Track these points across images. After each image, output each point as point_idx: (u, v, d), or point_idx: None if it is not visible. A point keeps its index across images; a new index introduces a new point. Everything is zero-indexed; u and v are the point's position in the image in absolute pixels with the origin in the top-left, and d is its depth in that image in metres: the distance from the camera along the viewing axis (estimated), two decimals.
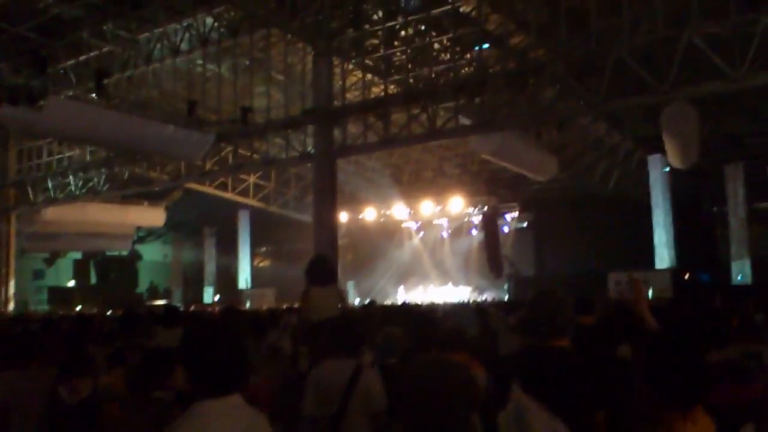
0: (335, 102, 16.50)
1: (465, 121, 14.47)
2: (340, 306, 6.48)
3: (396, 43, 17.23)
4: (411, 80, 16.58)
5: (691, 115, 13.80)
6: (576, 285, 12.57)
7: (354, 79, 18.89)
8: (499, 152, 16.60)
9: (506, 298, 23.88)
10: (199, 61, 18.46)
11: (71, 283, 34.55)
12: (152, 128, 13.69)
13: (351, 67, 18.08)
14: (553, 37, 13.62)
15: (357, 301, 23.81)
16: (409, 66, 16.71)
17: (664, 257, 21.71)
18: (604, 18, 12.34)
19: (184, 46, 18.08)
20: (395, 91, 16.81)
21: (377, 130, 16.04)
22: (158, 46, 18.40)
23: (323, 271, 6.58)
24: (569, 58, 12.56)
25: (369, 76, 18.10)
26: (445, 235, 29.41)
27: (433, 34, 16.73)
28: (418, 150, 25.28)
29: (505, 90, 13.70)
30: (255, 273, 32.52)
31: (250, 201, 27.39)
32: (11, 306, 23.80)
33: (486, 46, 17.55)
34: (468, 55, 17.57)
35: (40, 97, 12.52)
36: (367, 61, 17.28)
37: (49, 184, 23.15)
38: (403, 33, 16.88)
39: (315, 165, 16.34)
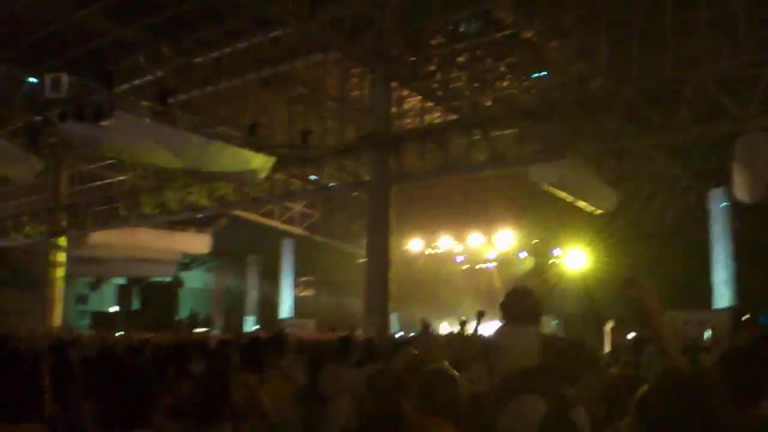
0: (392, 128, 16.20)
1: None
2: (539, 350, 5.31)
3: (453, 69, 16.92)
4: (468, 107, 16.24)
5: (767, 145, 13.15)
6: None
7: (407, 106, 18.62)
8: (560, 182, 16.06)
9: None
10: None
11: (114, 308, 34.62)
12: (215, 148, 13.51)
13: (406, 93, 17.80)
14: (622, 64, 13.15)
15: (400, 334, 23.22)
16: (467, 93, 16.41)
17: (723, 296, 20.84)
18: (679, 42, 11.83)
19: (238, 70, 17.97)
20: (451, 117, 16.46)
21: (434, 158, 15.67)
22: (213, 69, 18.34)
23: (525, 305, 5.50)
24: (642, 84, 12.04)
25: (424, 102, 17.78)
26: (491, 267, 28.78)
27: (490, 61, 16.46)
28: (466, 181, 24.79)
29: (574, 117, 13.22)
30: (297, 302, 32.17)
31: (296, 230, 27.12)
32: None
33: (545, 73, 17.22)
34: (526, 83, 17.25)
35: (106, 114, 12.34)
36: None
37: (98, 209, 23.18)
38: (461, 59, 16.59)
39: (370, 192, 15.99)
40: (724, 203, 21.00)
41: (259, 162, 15.36)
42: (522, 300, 5.54)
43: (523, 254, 27.15)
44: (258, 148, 14.88)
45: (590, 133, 13.43)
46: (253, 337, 5.17)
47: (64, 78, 12.08)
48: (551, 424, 3.07)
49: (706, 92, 11.21)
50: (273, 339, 5.80)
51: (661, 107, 12.33)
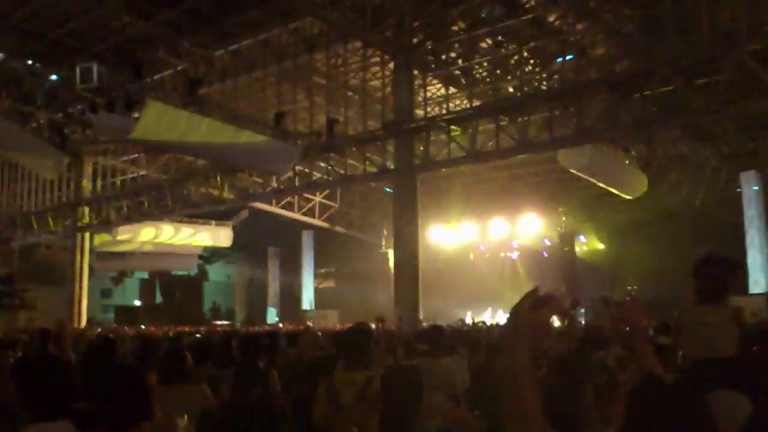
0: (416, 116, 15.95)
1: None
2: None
3: (475, 56, 16.60)
4: (491, 93, 15.97)
5: None
6: (659, 311, 11.40)
7: (429, 93, 18.31)
8: (589, 167, 15.73)
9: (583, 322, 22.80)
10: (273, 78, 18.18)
11: (137, 302, 34.82)
12: (245, 137, 13.34)
13: (428, 80, 17.52)
14: (653, 43, 12.77)
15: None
16: (489, 79, 16.11)
17: (759, 282, 20.38)
18: (714, 16, 11.41)
19: (259, 62, 17.80)
20: (475, 104, 16.16)
21: (459, 145, 15.37)
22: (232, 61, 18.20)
23: (719, 278, 4.45)
24: (680, 63, 11.61)
25: (448, 89, 17.48)
26: (514, 256, 28.45)
27: (513, 47, 16.14)
28: (488, 168, 24.41)
29: (604, 99, 12.85)
30: (317, 294, 32.12)
31: (316, 221, 26.94)
32: (83, 324, 23.66)
33: (570, 57, 16.85)
34: (550, 67, 16.90)
35: (136, 104, 12.23)
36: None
37: (122, 203, 23.13)
38: (483, 45, 16.26)
39: (395, 181, 15.75)
40: (757, 187, 20.53)
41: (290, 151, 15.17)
42: (715, 271, 4.46)
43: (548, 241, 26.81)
44: (283, 138, 14.67)
45: (625, 115, 13.00)
46: (353, 327, 4.66)
47: (94, 68, 11.97)
48: (759, 424, 2.51)
49: (744, 69, 10.77)
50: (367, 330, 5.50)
51: (694, 87, 11.89)
